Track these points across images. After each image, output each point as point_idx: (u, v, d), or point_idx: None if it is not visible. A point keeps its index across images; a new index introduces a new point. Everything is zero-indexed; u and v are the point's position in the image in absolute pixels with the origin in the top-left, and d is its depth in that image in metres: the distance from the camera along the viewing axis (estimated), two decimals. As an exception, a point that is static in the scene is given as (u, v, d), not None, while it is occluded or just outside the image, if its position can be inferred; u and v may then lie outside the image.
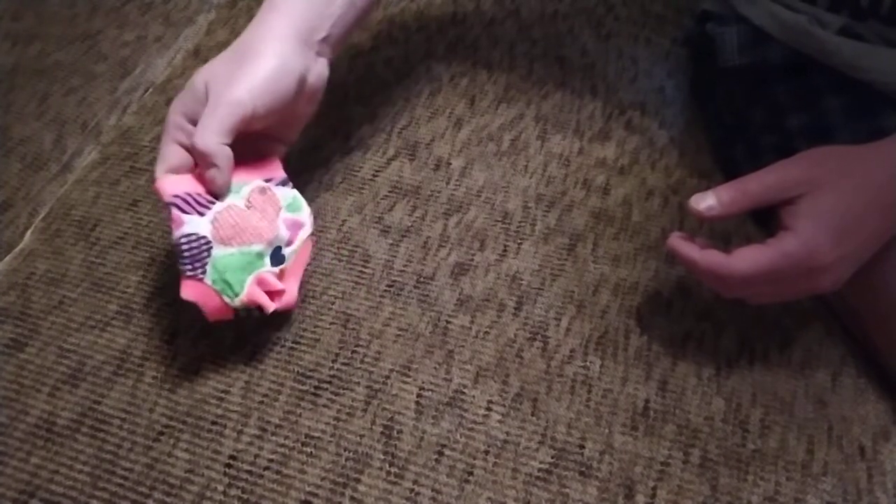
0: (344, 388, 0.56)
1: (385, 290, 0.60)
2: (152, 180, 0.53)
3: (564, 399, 0.55)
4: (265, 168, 0.56)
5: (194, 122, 0.51)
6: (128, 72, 0.79)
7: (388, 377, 0.56)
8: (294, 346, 0.58)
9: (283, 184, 0.57)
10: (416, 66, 0.76)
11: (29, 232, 0.66)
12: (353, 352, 0.57)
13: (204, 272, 0.51)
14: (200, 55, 0.79)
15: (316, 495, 0.51)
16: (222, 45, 0.79)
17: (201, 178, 0.53)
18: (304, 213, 0.56)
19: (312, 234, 0.56)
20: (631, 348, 0.58)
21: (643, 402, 0.55)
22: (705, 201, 0.50)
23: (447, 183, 0.67)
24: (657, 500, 0.51)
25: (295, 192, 0.57)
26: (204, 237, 0.51)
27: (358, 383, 0.56)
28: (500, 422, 0.54)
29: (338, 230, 0.64)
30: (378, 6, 0.62)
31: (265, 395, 0.55)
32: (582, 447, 0.53)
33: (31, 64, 0.80)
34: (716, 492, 0.51)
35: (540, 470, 0.52)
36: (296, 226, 0.55)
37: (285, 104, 0.53)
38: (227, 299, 0.51)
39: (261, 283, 0.52)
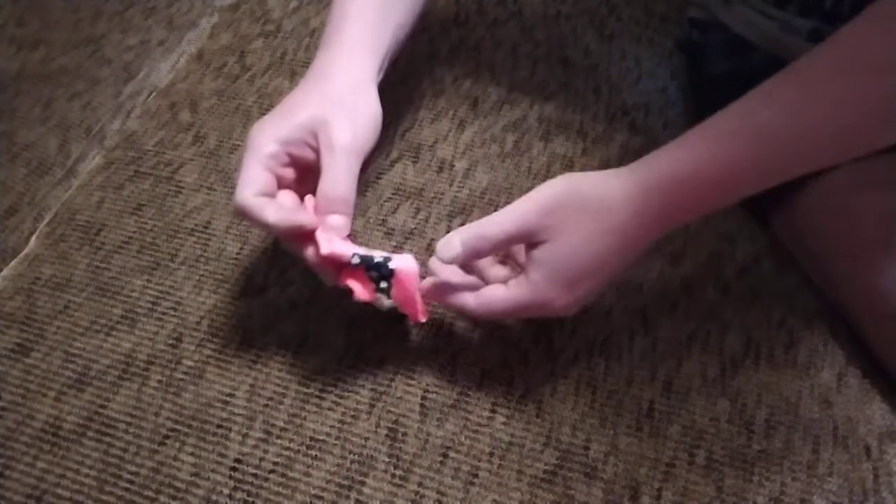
0: (349, 391, 0.56)
1: (389, 293, 0.60)
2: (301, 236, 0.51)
3: (569, 400, 0.55)
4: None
5: (289, 155, 0.53)
6: (132, 76, 0.79)
7: (392, 379, 0.56)
8: (299, 349, 0.58)
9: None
10: (418, 68, 0.76)
11: (34, 237, 0.66)
12: (358, 355, 0.57)
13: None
14: (204, 59, 0.80)
15: (321, 498, 0.51)
16: (225, 49, 0.80)
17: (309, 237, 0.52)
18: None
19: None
20: (636, 349, 0.58)
21: (648, 403, 0.55)
22: (450, 252, 0.49)
23: (450, 185, 0.67)
24: (662, 501, 0.51)
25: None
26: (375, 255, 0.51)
27: (362, 386, 0.56)
28: (504, 423, 0.54)
29: (342, 233, 0.64)
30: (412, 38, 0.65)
31: (270, 399, 0.55)
32: (587, 448, 0.53)
33: (36, 69, 0.80)
34: (721, 492, 0.51)
35: (545, 471, 0.52)
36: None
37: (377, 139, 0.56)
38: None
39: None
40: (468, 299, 0.51)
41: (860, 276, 0.56)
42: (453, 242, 0.49)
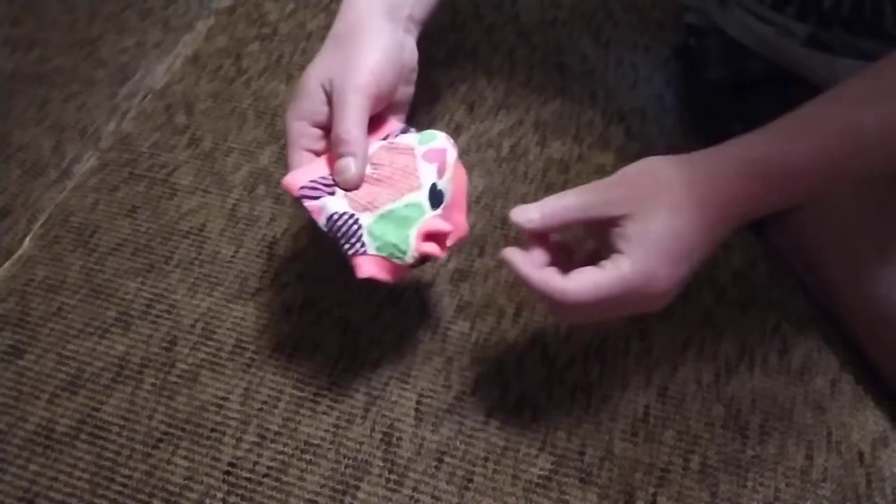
0: (343, 395, 0.56)
1: (384, 297, 0.60)
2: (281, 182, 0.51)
3: (564, 406, 0.55)
4: (381, 130, 0.54)
5: (317, 126, 0.52)
6: (127, 77, 0.79)
7: (387, 384, 0.56)
8: (293, 352, 0.58)
9: (405, 132, 0.54)
10: (415, 73, 0.76)
11: (28, 238, 0.66)
12: (353, 358, 0.57)
13: (363, 244, 0.49)
14: (199, 61, 0.79)
15: (315, 502, 0.51)
16: (222, 51, 0.80)
17: (321, 163, 0.51)
18: (441, 139, 0.53)
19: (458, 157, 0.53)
20: (631, 354, 0.58)
21: (643, 409, 0.55)
22: (526, 214, 0.48)
23: (446, 189, 0.67)
24: (657, 507, 0.51)
25: (422, 131, 0.54)
26: (346, 212, 0.49)
27: (357, 390, 0.56)
28: (499, 428, 0.54)
29: (337, 236, 0.64)
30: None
31: (264, 402, 0.55)
32: (582, 454, 0.53)
33: (31, 70, 0.80)
34: (716, 498, 0.51)
35: (540, 477, 0.52)
36: (438, 154, 0.52)
37: (399, 79, 0.54)
38: (398, 261, 0.49)
39: (428, 234, 0.50)
40: (558, 280, 0.45)
41: (856, 282, 0.56)
42: (529, 208, 0.48)
